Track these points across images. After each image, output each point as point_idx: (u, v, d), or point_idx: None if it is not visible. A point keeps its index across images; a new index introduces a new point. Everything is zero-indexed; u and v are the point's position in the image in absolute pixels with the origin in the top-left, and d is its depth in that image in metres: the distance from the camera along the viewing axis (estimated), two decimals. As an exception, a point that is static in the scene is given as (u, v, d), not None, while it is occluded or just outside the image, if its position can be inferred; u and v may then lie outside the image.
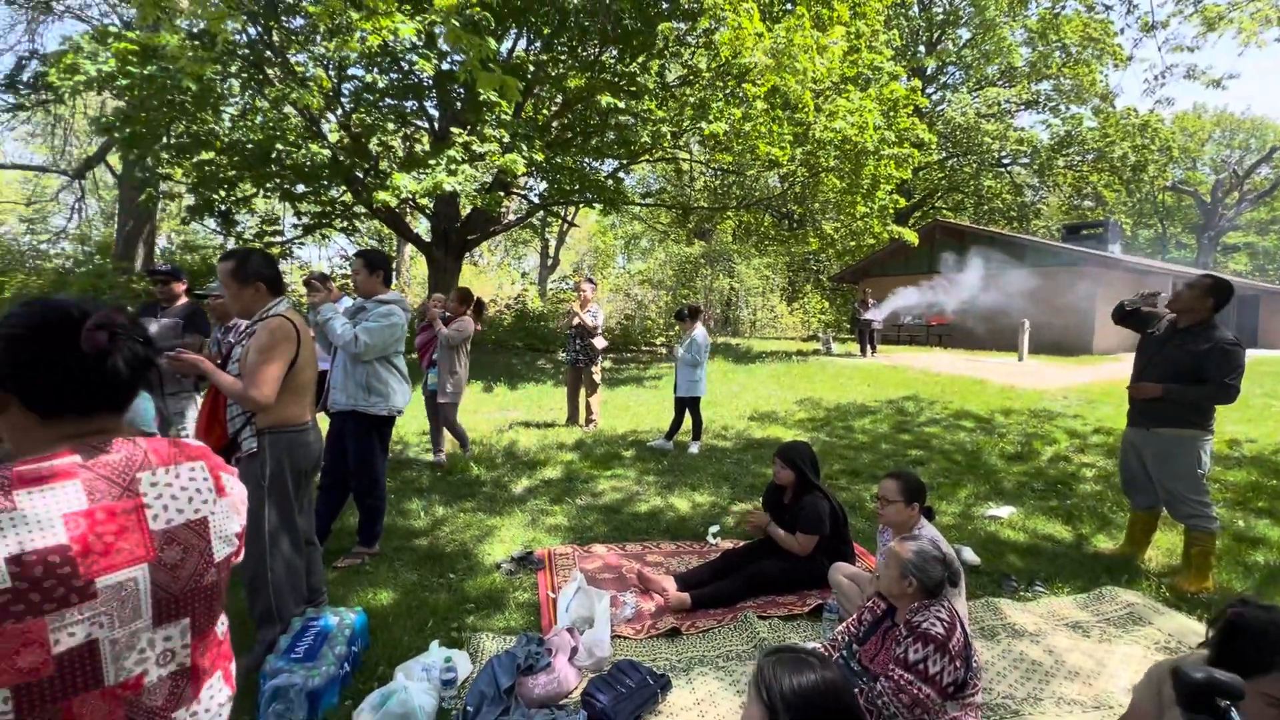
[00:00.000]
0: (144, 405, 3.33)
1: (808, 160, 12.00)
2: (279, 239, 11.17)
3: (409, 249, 22.83)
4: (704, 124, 9.34)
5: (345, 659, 2.44)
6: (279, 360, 2.36)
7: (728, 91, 9.93)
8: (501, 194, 9.13)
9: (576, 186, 10.74)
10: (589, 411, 6.75)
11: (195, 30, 6.61)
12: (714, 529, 4.09)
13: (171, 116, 7.26)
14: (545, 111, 11.54)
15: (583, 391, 6.79)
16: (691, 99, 10.07)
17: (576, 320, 6.55)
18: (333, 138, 9.81)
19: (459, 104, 10.51)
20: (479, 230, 12.80)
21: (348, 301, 4.40)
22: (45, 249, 12.90)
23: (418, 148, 11.06)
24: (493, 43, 9.26)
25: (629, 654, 2.74)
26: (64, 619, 0.86)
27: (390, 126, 9.72)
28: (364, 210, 10.92)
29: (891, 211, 12.95)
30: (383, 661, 2.58)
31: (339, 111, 9.24)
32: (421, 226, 15.03)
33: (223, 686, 1.07)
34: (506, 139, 8.18)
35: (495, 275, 28.90)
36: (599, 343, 6.60)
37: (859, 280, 19.70)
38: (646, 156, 12.40)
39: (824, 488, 3.44)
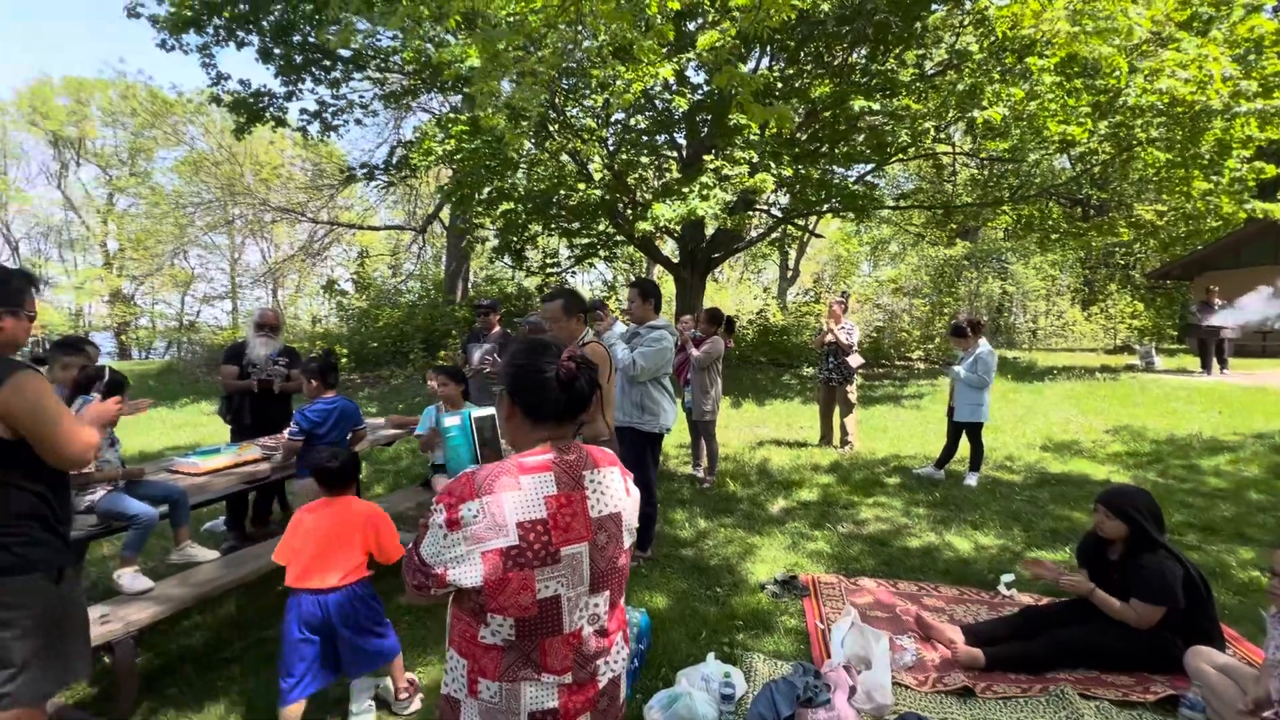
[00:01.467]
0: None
1: (1115, 134, 9.81)
2: (556, 270, 12.94)
3: (656, 270, 24.49)
4: (975, 112, 8.29)
5: (634, 655, 2.66)
6: (601, 381, 2.75)
7: (1005, 70, 8.67)
8: (750, 213, 9.28)
9: (822, 196, 10.42)
10: (844, 432, 6.43)
11: (506, 106, 8.06)
12: (1007, 579, 3.55)
13: (487, 179, 8.93)
14: (789, 125, 11.44)
15: (837, 411, 6.50)
16: (960, 86, 9.02)
17: (829, 337, 6.32)
18: (597, 177, 11.06)
19: (704, 131, 11.00)
20: (723, 248, 13.17)
21: (620, 327, 4.89)
22: (401, 288, 16.94)
23: (668, 176, 11.85)
24: (743, 67, 9.53)
25: (913, 706, 2.52)
26: (544, 574, 1.18)
27: (644, 160, 10.55)
28: (622, 239, 12.05)
29: (1251, 184, 9.87)
30: (664, 663, 2.76)
31: (604, 153, 10.34)
32: (668, 247, 16.04)
33: (623, 646, 1.36)
34: (755, 159, 8.31)
35: (735, 290, 29.47)
36: (854, 360, 6.27)
37: (1194, 275, 15.40)
38: (900, 156, 11.45)
39: (1173, 548, 2.75)
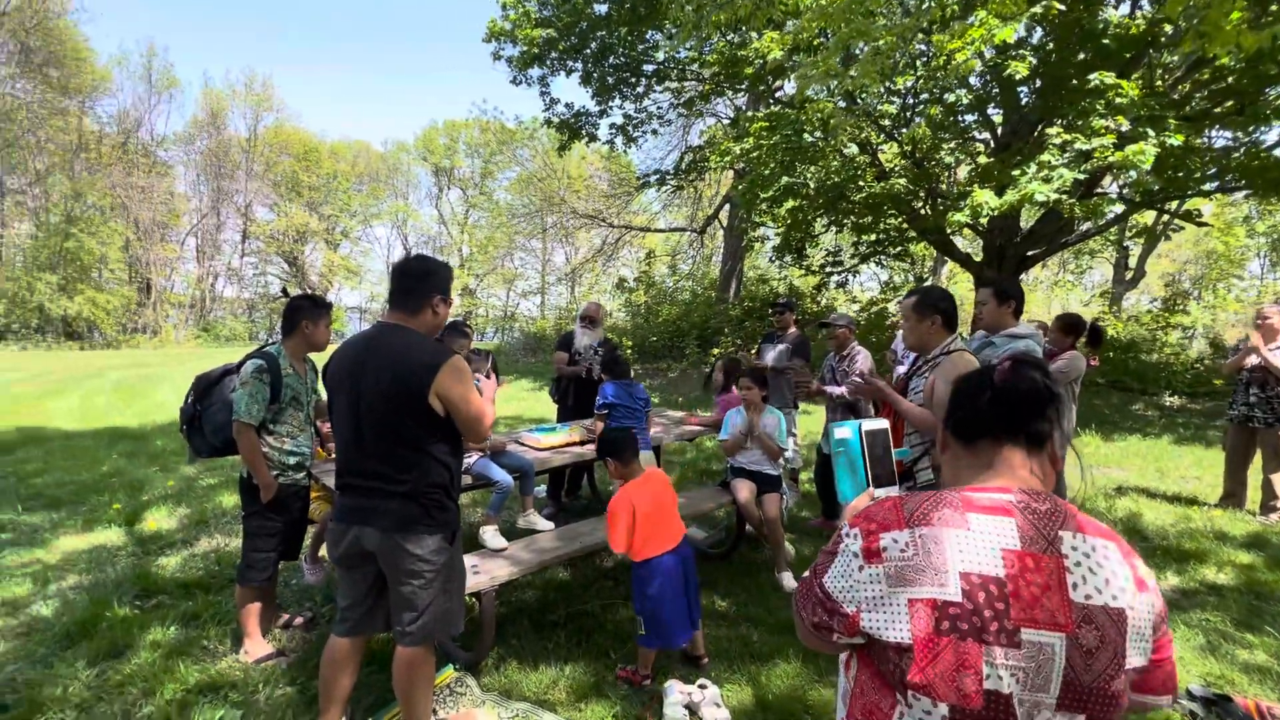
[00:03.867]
0: (778, 419, 3.79)
1: None
2: (837, 268, 12.13)
3: (946, 270, 21.64)
4: None
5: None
6: None
7: None
8: (1109, 197, 7.34)
9: (1211, 171, 7.79)
10: (1271, 494, 4.55)
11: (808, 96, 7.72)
12: None
13: (777, 175, 8.68)
14: (1163, 79, 8.73)
15: (1258, 460, 4.65)
16: None
17: (1252, 359, 4.53)
18: (889, 166, 9.92)
19: (1028, 101, 9.07)
20: (1044, 243, 10.78)
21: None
22: (681, 286, 17.95)
23: (977, 161, 10.15)
24: (1114, 15, 7.57)
25: None
26: (993, 656, 0.86)
27: (949, 145, 9.18)
28: (913, 234, 10.72)
29: None
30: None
31: (910, 138, 9.28)
32: (961, 242, 13.85)
33: None
34: (1125, 126, 6.46)
35: (1047, 294, 24.44)
36: (1298, 395, 4.38)
37: None
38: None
39: None
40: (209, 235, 31.57)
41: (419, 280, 2.01)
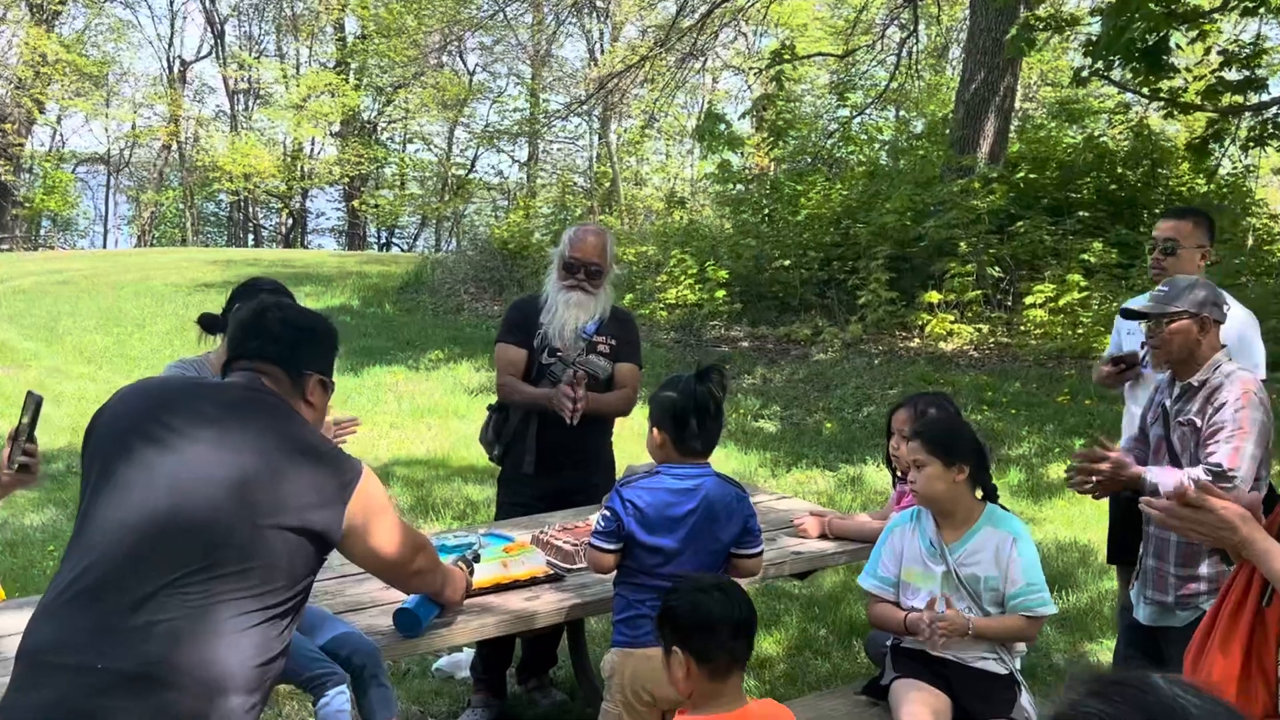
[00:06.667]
0: (1010, 539, 3.58)
1: None
2: (1256, 94, 9.68)
3: None
4: None
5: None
6: None
7: None
8: None
9: None
10: None
11: None
12: None
13: None
14: None
15: None
16: None
17: None
18: None
19: None
20: None
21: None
22: (858, 135, 15.32)
23: None
24: None
25: None
26: None
27: None
28: None
29: None
30: None
31: None
32: None
33: None
34: None
35: None
36: None
37: None
38: None
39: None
40: None
41: (288, 349, 2.26)
